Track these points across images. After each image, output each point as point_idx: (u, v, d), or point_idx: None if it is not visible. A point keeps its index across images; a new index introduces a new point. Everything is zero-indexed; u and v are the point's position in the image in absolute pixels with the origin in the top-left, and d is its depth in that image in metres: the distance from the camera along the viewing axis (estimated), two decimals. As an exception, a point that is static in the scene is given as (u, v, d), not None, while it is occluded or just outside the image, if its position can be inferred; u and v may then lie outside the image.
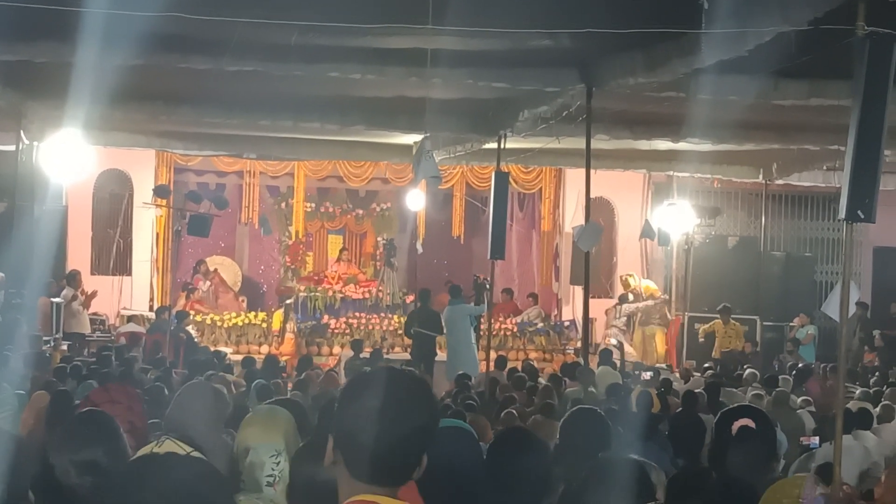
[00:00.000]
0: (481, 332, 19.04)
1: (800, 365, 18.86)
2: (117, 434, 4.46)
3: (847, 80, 8.34)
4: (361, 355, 18.21)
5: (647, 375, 16.29)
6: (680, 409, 12.45)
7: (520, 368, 17.41)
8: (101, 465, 4.23)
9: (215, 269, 23.47)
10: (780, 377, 16.43)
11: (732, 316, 22.07)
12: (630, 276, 22.90)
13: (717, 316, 22.17)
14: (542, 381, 15.61)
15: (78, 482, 4.20)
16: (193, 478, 2.68)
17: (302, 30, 10.13)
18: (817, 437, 11.23)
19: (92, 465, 4.24)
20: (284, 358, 19.08)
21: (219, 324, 21.30)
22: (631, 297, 22.54)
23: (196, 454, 3.60)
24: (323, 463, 3.01)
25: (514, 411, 11.39)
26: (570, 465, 4.90)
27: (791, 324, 22.30)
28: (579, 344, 17.94)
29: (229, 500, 2.76)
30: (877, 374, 17.74)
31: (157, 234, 22.91)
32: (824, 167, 18.94)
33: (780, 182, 21.12)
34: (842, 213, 7.68)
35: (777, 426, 11.07)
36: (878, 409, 13.22)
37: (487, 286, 18.72)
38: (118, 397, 5.56)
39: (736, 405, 4.43)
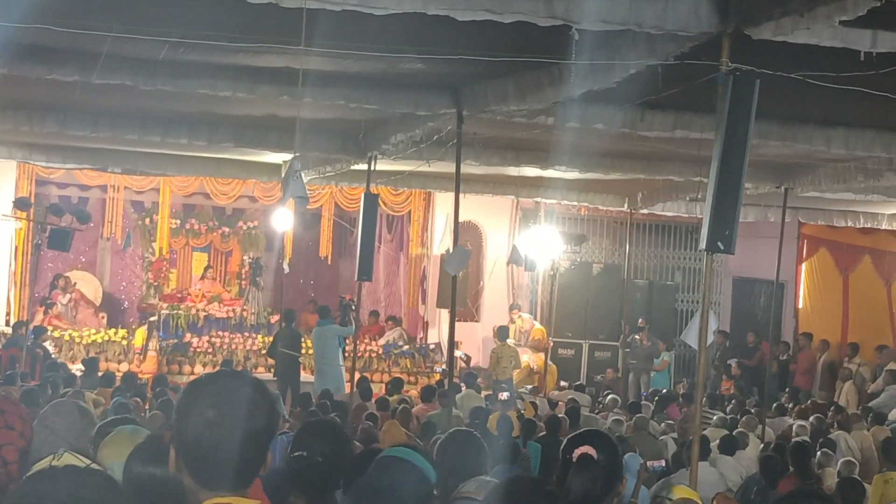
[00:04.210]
0: (346, 354, 19.00)
1: (664, 391, 19.22)
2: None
3: (711, 114, 8.53)
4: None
5: (504, 396, 16.40)
6: (544, 433, 12.63)
7: (384, 388, 17.48)
8: None
9: (75, 284, 23.02)
10: (641, 403, 16.73)
11: (594, 342, 22.53)
12: (519, 317, 22.93)
13: (583, 342, 22.62)
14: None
15: None
16: (93, 490, 2.65)
17: (172, 45, 9.99)
18: (662, 461, 11.44)
19: None
20: (146, 376, 18.77)
21: (77, 340, 20.86)
22: (511, 335, 22.43)
23: (95, 466, 3.53)
24: (161, 464, 3.03)
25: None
26: (446, 487, 4.93)
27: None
28: (445, 366, 18.00)
29: None
30: (733, 401, 18.14)
31: (16, 248, 22.37)
32: (687, 198, 19.32)
33: (644, 211, 21.45)
34: (703, 244, 7.84)
35: (636, 451, 11.33)
36: (733, 434, 13.54)
37: (353, 307, 18.68)
38: (13, 422, 5.30)
39: (582, 430, 4.47)
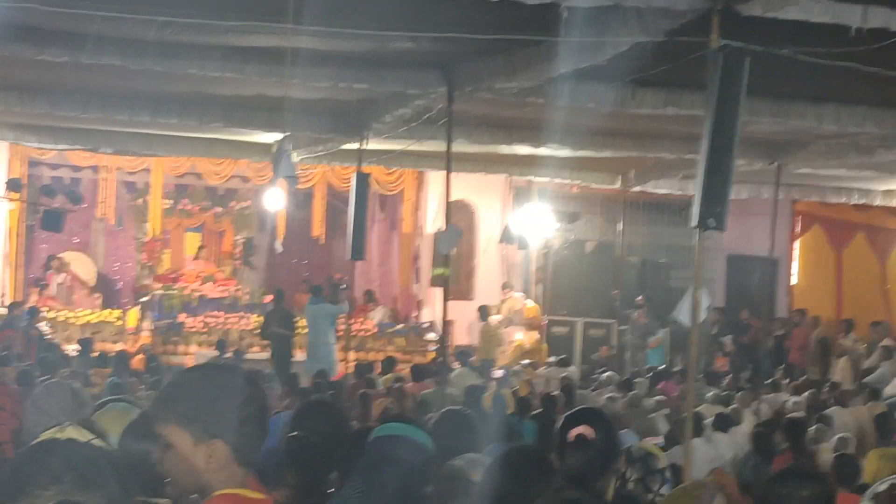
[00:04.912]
0: (339, 334, 19.01)
1: (659, 368, 19.21)
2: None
3: (702, 91, 8.51)
4: (225, 355, 18.12)
5: (499, 374, 16.41)
6: (539, 410, 12.64)
7: (378, 367, 17.49)
8: None
9: (69, 265, 22.99)
10: (634, 380, 16.72)
11: (588, 319, 22.55)
12: (511, 296, 22.94)
13: (577, 319, 22.64)
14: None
15: None
16: (88, 465, 2.66)
17: (161, 25, 9.94)
18: (661, 438, 11.44)
19: None
20: (141, 357, 18.78)
21: (72, 321, 20.85)
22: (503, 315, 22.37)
23: (97, 441, 3.58)
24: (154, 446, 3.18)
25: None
26: (439, 466, 4.92)
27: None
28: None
29: (128, 490, 2.75)
30: (728, 377, 18.15)
31: (10, 229, 22.33)
32: (680, 175, 19.30)
33: (637, 189, 21.41)
34: (694, 221, 7.84)
35: (631, 428, 11.33)
36: (727, 411, 13.55)
37: (343, 286, 18.68)
38: (2, 402, 5.28)
39: (579, 408, 4.46)
